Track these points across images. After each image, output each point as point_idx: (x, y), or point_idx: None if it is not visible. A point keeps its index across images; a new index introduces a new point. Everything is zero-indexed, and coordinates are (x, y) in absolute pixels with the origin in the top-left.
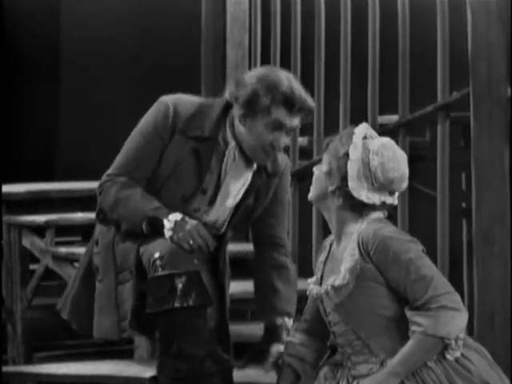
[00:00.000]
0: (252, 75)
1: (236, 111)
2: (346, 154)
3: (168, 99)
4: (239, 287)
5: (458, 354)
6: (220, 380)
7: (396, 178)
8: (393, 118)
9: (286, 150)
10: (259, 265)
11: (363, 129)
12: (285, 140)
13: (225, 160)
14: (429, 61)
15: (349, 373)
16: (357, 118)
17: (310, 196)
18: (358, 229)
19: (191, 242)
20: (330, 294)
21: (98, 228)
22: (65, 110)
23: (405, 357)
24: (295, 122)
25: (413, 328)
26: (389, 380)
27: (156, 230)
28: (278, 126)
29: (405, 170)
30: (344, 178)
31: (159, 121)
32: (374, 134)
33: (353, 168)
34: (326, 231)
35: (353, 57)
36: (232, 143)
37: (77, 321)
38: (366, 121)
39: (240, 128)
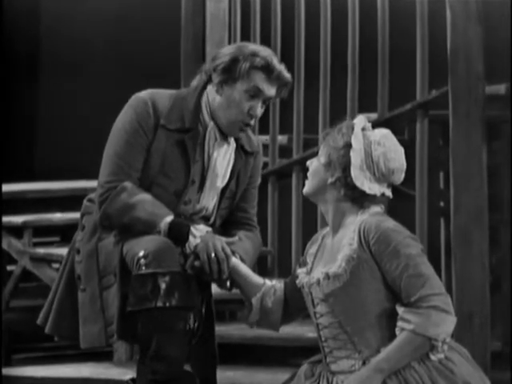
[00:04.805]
0: (230, 47)
1: (214, 80)
2: (347, 145)
3: (144, 95)
4: (216, 288)
5: (442, 355)
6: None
7: (397, 169)
8: (372, 116)
9: (265, 147)
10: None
11: (362, 120)
12: (261, 110)
13: (206, 143)
14: (408, 59)
15: (328, 369)
16: (336, 116)
17: (307, 189)
18: (358, 219)
19: (213, 255)
20: (322, 283)
21: (79, 236)
22: (43, 110)
23: (390, 354)
24: (272, 90)
25: (402, 325)
26: (373, 376)
27: (176, 234)
28: (256, 93)
29: (404, 161)
30: (345, 169)
31: (141, 118)
32: (370, 125)
33: (356, 157)
34: (305, 230)
35: (332, 55)
36: (210, 124)
37: (60, 333)
38: (345, 119)
39: (216, 99)
